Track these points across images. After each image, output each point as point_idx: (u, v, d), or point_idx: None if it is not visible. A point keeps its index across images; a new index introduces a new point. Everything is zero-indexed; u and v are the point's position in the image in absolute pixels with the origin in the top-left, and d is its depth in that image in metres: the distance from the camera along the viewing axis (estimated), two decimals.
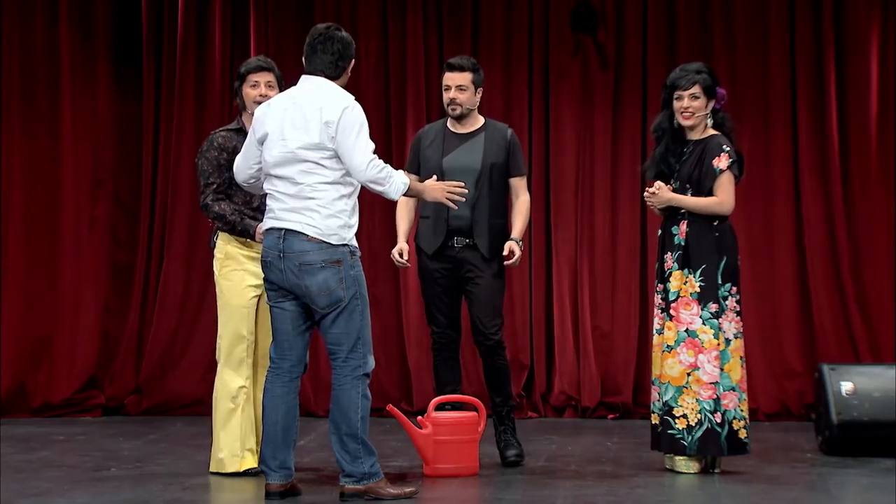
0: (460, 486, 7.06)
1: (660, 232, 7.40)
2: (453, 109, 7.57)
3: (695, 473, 7.18)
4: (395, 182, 6.49)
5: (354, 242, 6.46)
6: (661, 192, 7.25)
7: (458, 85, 7.56)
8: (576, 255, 9.99)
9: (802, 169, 9.85)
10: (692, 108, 7.28)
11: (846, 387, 8.00)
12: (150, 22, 10.11)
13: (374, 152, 6.44)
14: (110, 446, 8.42)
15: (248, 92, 7.35)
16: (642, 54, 9.98)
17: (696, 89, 7.26)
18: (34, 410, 9.86)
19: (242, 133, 7.35)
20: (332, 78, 6.55)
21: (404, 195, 6.63)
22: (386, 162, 10.22)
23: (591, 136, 10.04)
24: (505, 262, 7.51)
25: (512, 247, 7.47)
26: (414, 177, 7.67)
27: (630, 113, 10.00)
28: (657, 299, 7.37)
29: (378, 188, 6.46)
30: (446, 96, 7.58)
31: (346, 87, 6.63)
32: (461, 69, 7.58)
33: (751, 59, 9.89)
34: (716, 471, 7.24)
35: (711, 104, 7.29)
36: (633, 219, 9.98)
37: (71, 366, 9.99)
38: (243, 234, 7.28)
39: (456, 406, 7.53)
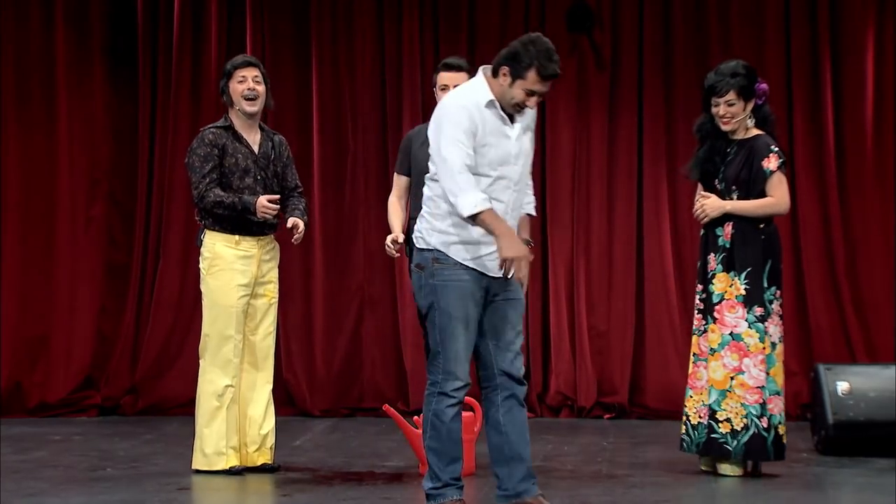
0: None
1: (702, 232, 7.26)
2: None
3: (739, 477, 7.11)
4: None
5: (446, 249, 5.75)
6: (712, 202, 7.14)
7: (457, 85, 7.53)
8: (572, 255, 10.00)
9: (798, 169, 9.85)
10: (730, 114, 7.13)
11: (842, 387, 8.00)
12: (146, 22, 10.11)
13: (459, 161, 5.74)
14: (106, 446, 8.41)
15: (236, 87, 7.33)
16: (638, 54, 9.99)
17: (731, 96, 7.12)
18: (30, 410, 9.86)
19: (231, 130, 7.35)
20: (493, 75, 5.78)
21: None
22: (383, 164, 10.25)
23: (588, 137, 10.04)
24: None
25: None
26: (406, 179, 7.67)
27: (626, 113, 10.00)
28: (696, 300, 7.28)
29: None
30: (443, 96, 7.55)
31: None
32: (459, 69, 7.54)
33: (746, 59, 9.82)
34: (758, 474, 7.16)
35: (751, 104, 7.18)
36: (630, 219, 9.98)
37: (67, 366, 9.99)
38: (245, 211, 7.23)
39: None
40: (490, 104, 5.67)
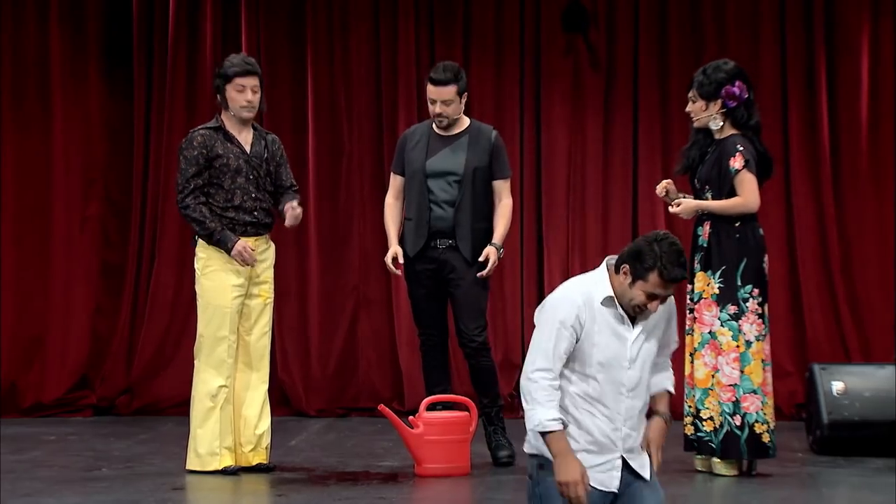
0: (451, 486, 7.06)
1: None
2: (440, 122, 7.56)
3: (734, 476, 7.12)
4: None
5: (546, 451, 5.00)
6: (685, 204, 7.20)
7: (444, 100, 7.52)
8: (567, 255, 10.00)
9: (793, 169, 9.86)
10: (691, 112, 7.28)
11: (837, 386, 8.01)
12: (141, 21, 10.09)
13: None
14: (101, 446, 8.41)
15: (234, 96, 7.30)
16: (634, 54, 9.98)
17: (690, 93, 7.28)
18: (25, 410, 9.84)
19: (222, 131, 7.34)
20: (615, 270, 5.08)
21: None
22: (378, 164, 10.25)
23: (583, 137, 10.04)
24: (478, 274, 7.48)
25: (489, 252, 7.46)
26: (402, 179, 7.67)
27: (621, 113, 10.00)
28: (687, 300, 7.33)
29: None
30: (432, 110, 7.55)
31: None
32: (445, 83, 7.51)
33: (742, 59, 9.79)
34: (753, 473, 7.19)
35: (715, 105, 7.23)
36: (625, 218, 9.99)
37: (62, 366, 9.97)
38: (218, 244, 7.26)
39: (447, 406, 7.53)
40: (608, 301, 5.05)
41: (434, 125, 7.63)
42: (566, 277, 9.91)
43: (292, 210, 7.34)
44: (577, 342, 4.99)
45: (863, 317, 9.79)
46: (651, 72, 9.92)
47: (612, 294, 5.02)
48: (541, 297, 9.97)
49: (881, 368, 8.16)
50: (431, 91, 7.52)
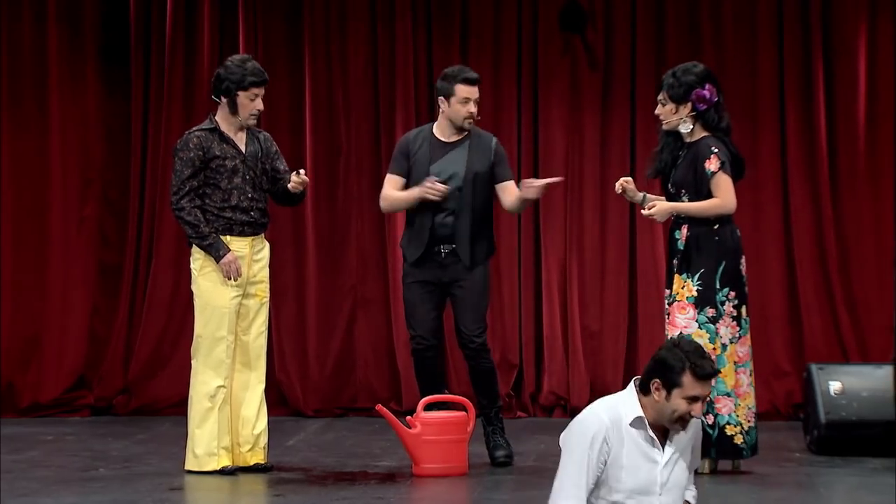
0: (449, 486, 7.07)
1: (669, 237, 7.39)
2: (470, 123, 7.56)
3: (706, 474, 7.13)
4: None
5: None
6: (659, 206, 7.20)
7: (477, 98, 7.57)
8: (565, 255, 10.00)
9: (790, 169, 9.86)
10: (660, 115, 7.25)
11: (834, 386, 8.01)
12: (139, 21, 10.09)
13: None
14: (99, 446, 8.41)
15: (246, 104, 7.30)
16: (631, 54, 9.99)
17: (660, 95, 7.24)
18: (22, 410, 9.84)
19: (217, 132, 7.34)
20: (643, 392, 4.90)
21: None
22: (376, 164, 10.25)
23: (580, 136, 10.04)
24: (525, 180, 7.41)
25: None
26: (401, 180, 7.65)
27: (619, 112, 10.00)
28: (665, 304, 7.32)
29: None
30: (465, 110, 7.50)
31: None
32: (476, 83, 7.59)
33: (739, 59, 9.90)
34: (738, 471, 7.19)
35: (685, 108, 7.23)
36: (622, 218, 9.99)
37: (59, 366, 9.97)
38: (208, 249, 7.27)
39: (445, 406, 7.53)
40: (638, 422, 4.84)
41: (434, 130, 7.63)
42: (564, 277, 9.99)
43: (298, 174, 7.32)
44: (604, 465, 4.81)
45: (860, 317, 9.79)
46: (648, 71, 9.91)
47: (641, 414, 4.82)
48: (538, 297, 10.01)
49: (878, 368, 8.15)
50: (466, 91, 7.50)
